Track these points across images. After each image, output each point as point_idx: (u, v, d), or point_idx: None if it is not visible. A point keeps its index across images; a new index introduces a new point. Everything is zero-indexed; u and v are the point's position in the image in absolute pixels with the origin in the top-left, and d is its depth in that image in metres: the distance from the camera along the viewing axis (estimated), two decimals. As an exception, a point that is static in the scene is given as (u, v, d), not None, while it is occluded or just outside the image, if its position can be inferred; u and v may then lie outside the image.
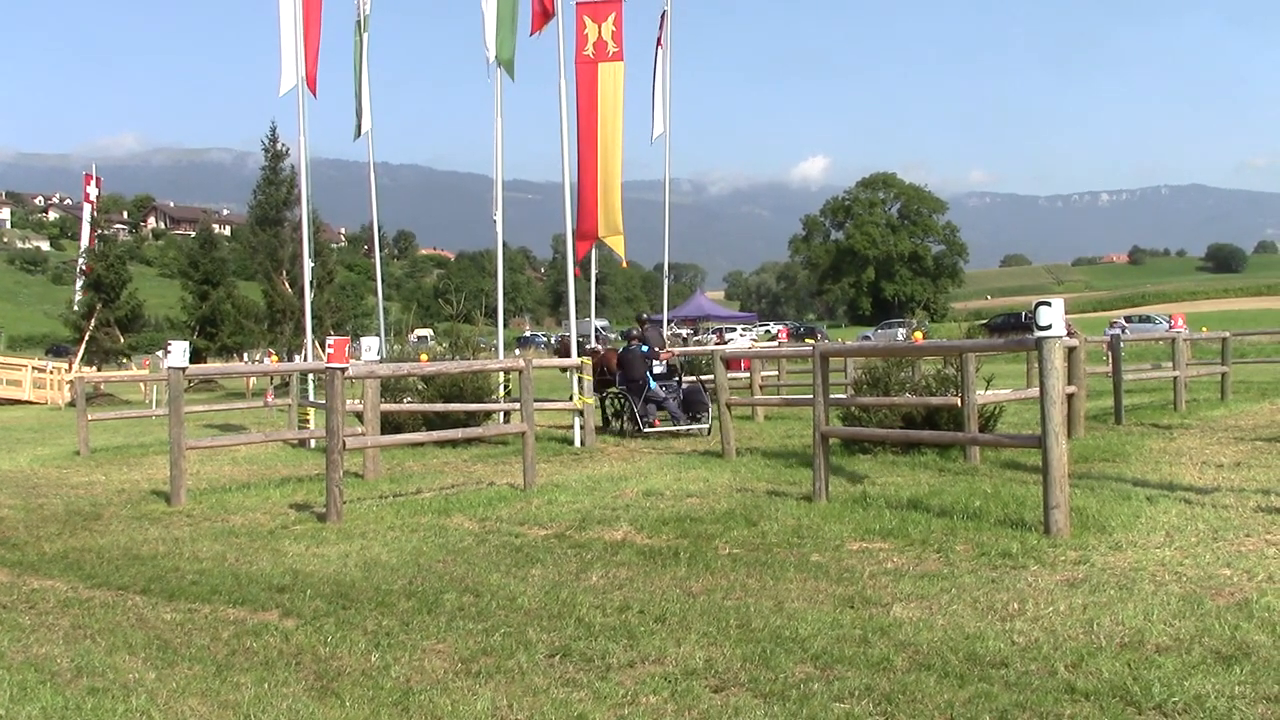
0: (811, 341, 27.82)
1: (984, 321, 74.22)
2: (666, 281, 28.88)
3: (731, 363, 20.32)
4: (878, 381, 13.98)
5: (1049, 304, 8.14)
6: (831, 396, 11.05)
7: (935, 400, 12.89)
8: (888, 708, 4.72)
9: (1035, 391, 12.41)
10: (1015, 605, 6.14)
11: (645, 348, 17.18)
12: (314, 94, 18.36)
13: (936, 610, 6.13)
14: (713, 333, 66.76)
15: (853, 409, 13.83)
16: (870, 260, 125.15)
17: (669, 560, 7.68)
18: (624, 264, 19.84)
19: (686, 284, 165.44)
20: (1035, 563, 7.13)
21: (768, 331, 79.00)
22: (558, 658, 5.61)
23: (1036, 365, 8.37)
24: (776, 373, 24.30)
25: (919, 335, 15.94)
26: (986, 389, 13.36)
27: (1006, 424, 15.03)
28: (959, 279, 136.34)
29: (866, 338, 67.53)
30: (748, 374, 22.66)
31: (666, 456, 14.12)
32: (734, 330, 73.64)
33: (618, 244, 17.95)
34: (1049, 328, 8.03)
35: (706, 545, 8.15)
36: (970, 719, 4.57)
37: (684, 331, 65.12)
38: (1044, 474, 8.08)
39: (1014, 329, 62.13)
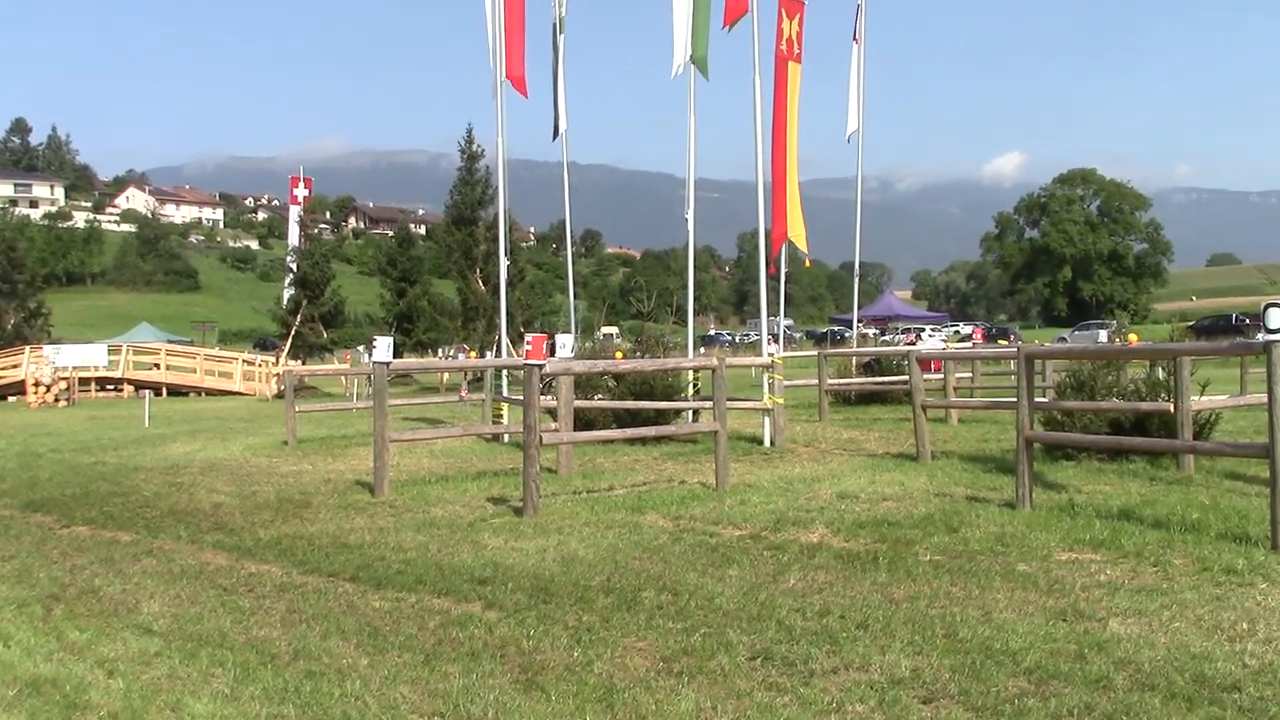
0: (1006, 343, 27.00)
1: (1190, 324, 70.83)
2: (856, 280, 28.51)
3: (923, 363, 19.86)
4: (1083, 385, 13.44)
5: (1279, 305, 7.64)
6: (1034, 400, 10.65)
7: (1146, 405, 12.29)
8: (1111, 729, 4.50)
9: (1254, 398, 11.77)
10: (1244, 625, 5.79)
11: None
12: (525, 95, 18.82)
13: (1157, 627, 5.83)
14: (903, 332, 65.58)
15: (1055, 413, 13.32)
16: (1067, 259, 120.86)
17: (868, 565, 7.53)
18: (807, 263, 19.47)
19: (873, 283, 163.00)
20: (1264, 580, 6.72)
21: (957, 332, 77.22)
22: (759, 660, 5.55)
23: (1256, 370, 7.89)
24: (970, 375, 23.66)
25: (1134, 337, 15.24)
26: (1201, 395, 12.69)
27: (1221, 432, 14.23)
28: (1162, 279, 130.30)
29: (1063, 339, 65.24)
30: (940, 375, 22.14)
31: (859, 458, 13.89)
32: (923, 330, 72.21)
33: (801, 239, 17.91)
34: (1279, 331, 7.55)
35: (906, 551, 7.97)
36: (1202, 745, 4.32)
37: (870, 331, 64.12)
38: (1271, 486, 7.61)
39: (1223, 332, 59.11)
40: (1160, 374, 13.23)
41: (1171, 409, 11.77)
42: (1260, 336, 7.73)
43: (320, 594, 7.33)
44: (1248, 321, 61.29)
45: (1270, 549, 7.43)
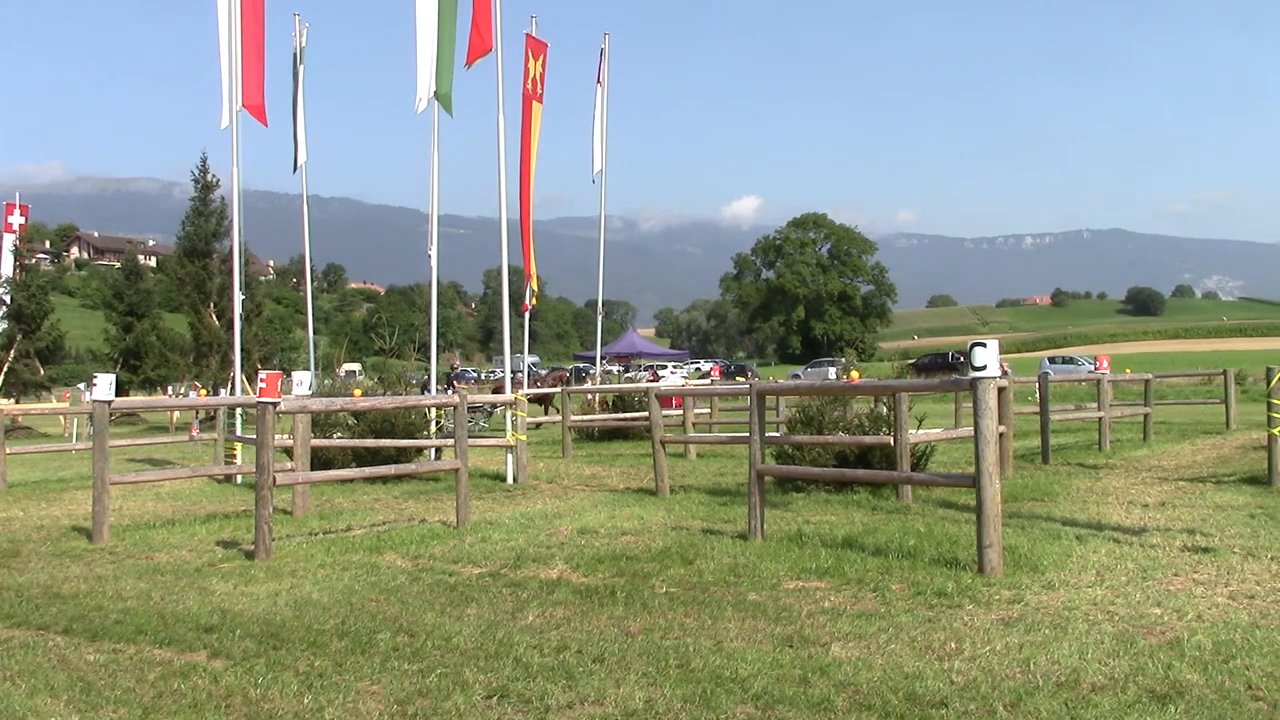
0: (743, 379, 27.93)
1: (911, 361, 75.21)
2: (600, 318, 28.94)
3: (664, 400, 20.32)
4: (811, 420, 14.06)
5: (984, 345, 8.22)
6: (766, 435, 11.07)
7: (869, 439, 12.98)
8: (830, 749, 4.70)
9: (966, 431, 12.57)
10: (952, 644, 6.17)
11: None
12: (265, 124, 18.23)
13: (875, 650, 6.14)
14: (645, 370, 66.88)
15: (786, 447, 13.88)
16: (800, 299, 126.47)
17: (606, 599, 7.63)
18: (534, 300, 19.46)
19: (618, 321, 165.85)
20: (970, 602, 7.17)
21: (698, 369, 79.33)
22: (495, 699, 5.52)
23: (969, 405, 8.45)
24: (709, 411, 24.34)
25: (856, 374, 16.06)
26: (918, 428, 13.49)
27: (936, 463, 15.17)
28: (887, 319, 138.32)
29: (797, 376, 68.03)
30: (680, 411, 22.68)
31: (600, 494, 14.06)
32: (665, 367, 73.84)
33: (533, 277, 18.14)
34: (984, 368, 8.12)
35: (643, 584, 8.11)
36: (912, 760, 4.57)
37: (614, 368, 65.10)
38: (978, 513, 8.14)
39: (940, 369, 63.08)
40: (883, 409, 14.00)
41: (891, 442, 12.47)
42: (969, 374, 8.29)
43: (28, 648, 6.84)
44: (961, 359, 65.58)
45: (977, 572, 7.94)
